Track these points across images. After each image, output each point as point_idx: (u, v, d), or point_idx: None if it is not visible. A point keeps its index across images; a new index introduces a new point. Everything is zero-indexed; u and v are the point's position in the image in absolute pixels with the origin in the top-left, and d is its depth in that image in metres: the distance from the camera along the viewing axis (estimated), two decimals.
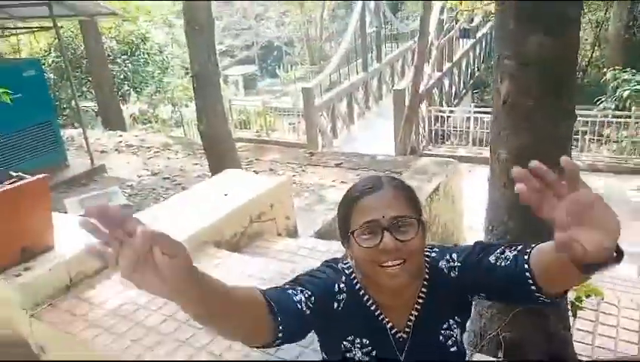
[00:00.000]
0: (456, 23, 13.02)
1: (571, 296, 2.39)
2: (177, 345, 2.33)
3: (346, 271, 1.17)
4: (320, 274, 1.14)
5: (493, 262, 1.07)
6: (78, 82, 12.68)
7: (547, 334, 2.18)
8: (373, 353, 1.13)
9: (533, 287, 0.99)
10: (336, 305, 1.12)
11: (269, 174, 6.91)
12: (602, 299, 2.58)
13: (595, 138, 10.34)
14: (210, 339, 2.35)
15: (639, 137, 9.84)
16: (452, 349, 1.15)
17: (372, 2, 12.98)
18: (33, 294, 2.50)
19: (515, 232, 2.07)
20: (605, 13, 16.01)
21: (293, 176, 6.69)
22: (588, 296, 2.42)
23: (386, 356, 1.14)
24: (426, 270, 1.16)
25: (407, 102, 9.97)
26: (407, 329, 1.15)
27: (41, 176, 2.56)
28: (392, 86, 13.17)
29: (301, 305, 1.03)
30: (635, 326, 2.75)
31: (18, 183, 2.48)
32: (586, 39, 17.44)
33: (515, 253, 1.05)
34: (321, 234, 4.33)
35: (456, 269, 1.14)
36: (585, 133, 10.38)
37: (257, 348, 1.02)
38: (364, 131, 12.54)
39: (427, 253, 1.17)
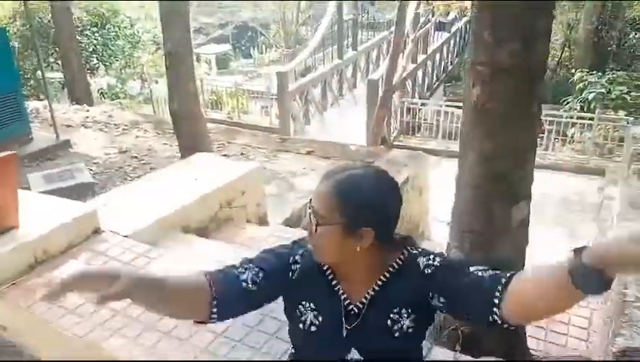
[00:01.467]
0: (433, 16, 13.12)
1: None
2: (143, 328, 2.34)
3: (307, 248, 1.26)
4: (279, 249, 1.28)
5: (471, 270, 1.14)
6: (44, 52, 12.23)
7: (502, 330, 2.28)
8: (320, 318, 1.21)
9: (494, 306, 1.05)
10: (291, 274, 1.24)
11: (240, 159, 6.88)
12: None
13: (560, 137, 10.67)
14: (174, 325, 2.36)
15: (601, 139, 10.19)
16: (396, 335, 1.18)
17: None
18: None
19: (479, 232, 2.15)
20: (576, 15, 16.39)
21: (265, 161, 6.68)
22: None
23: (333, 322, 1.21)
24: (399, 261, 1.21)
25: (380, 93, 10.03)
26: (359, 304, 1.20)
27: (10, 152, 2.49)
28: (367, 75, 13.21)
29: (246, 282, 1.18)
30: (585, 324, 2.91)
31: None
32: (557, 40, 17.84)
33: (498, 272, 1.11)
34: (291, 223, 4.37)
35: (432, 268, 1.18)
36: (550, 131, 10.69)
37: (198, 323, 1.19)
38: (336, 119, 12.56)
39: (410, 251, 1.22)
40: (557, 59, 17.59)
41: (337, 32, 12.78)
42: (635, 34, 16.02)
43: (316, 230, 1.13)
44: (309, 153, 7.15)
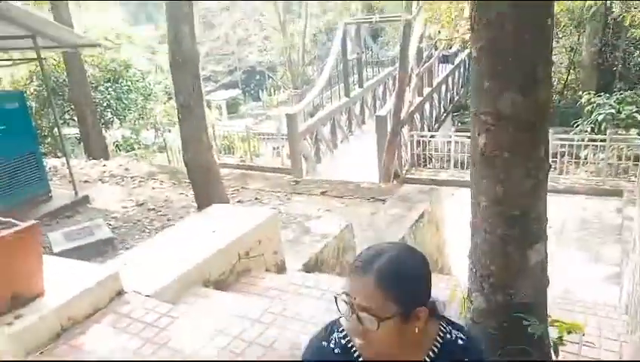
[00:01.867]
0: (436, 50, 13.36)
1: (553, 333, 2.47)
2: None
3: (341, 343, 1.23)
4: None
5: None
6: (60, 110, 12.64)
7: None
8: None
9: None
10: None
11: (255, 203, 6.95)
12: (583, 334, 2.67)
13: (573, 160, 10.62)
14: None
15: (615, 159, 10.13)
16: None
17: (353, 28, 13.26)
18: (25, 343, 2.50)
19: (497, 275, 2.15)
20: (578, 39, 16.58)
21: (279, 205, 6.74)
22: (569, 333, 2.51)
23: None
24: (437, 343, 1.23)
25: (389, 128, 10.15)
26: None
27: (33, 221, 2.58)
28: (374, 111, 13.39)
29: None
30: (616, 357, 2.85)
31: (10, 230, 2.50)
32: (561, 63, 18.02)
33: None
34: (308, 268, 4.38)
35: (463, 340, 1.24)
36: (563, 154, 10.67)
37: None
38: (347, 156, 12.69)
39: (445, 328, 1.25)
40: (563, 82, 17.70)
41: (343, 71, 13.06)
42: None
43: (377, 327, 1.08)
44: (322, 193, 7.21)
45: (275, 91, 23.19)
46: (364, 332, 1.11)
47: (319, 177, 10.12)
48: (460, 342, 1.24)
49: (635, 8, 12.63)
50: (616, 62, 16.12)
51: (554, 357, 2.44)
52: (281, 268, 4.17)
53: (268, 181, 8.26)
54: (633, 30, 14.89)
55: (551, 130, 11.43)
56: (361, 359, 1.21)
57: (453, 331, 1.26)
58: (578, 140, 10.82)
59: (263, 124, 18.11)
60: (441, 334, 1.24)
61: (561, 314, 2.93)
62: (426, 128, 13.03)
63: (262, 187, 7.79)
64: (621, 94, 12.54)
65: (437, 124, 14.24)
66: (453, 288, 2.66)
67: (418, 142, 11.55)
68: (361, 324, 1.10)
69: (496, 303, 2.18)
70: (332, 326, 1.28)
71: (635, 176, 9.62)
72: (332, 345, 1.23)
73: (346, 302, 1.12)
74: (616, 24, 14.85)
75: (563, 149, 10.75)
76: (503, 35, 1.82)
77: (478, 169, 2.09)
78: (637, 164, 9.70)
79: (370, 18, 12.98)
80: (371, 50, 15.06)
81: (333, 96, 13.19)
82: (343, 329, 1.25)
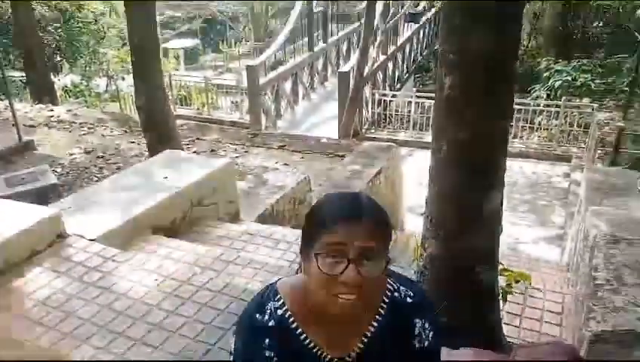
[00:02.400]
0: (402, 8, 13.16)
1: (502, 281, 2.51)
2: (113, 337, 2.26)
3: (276, 313, 1.14)
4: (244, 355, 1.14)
5: None
6: (4, 50, 11.79)
7: (479, 319, 2.29)
8: None
9: None
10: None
11: (211, 155, 6.76)
12: (530, 284, 2.73)
13: (528, 125, 10.85)
14: (147, 331, 2.29)
15: (567, 126, 10.41)
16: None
17: None
18: None
19: (452, 222, 2.14)
20: (542, 4, 16.65)
21: (236, 157, 6.58)
22: (517, 281, 2.55)
23: None
24: (384, 303, 1.16)
25: (351, 85, 10.01)
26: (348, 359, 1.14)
27: None
28: (338, 68, 13.17)
29: None
30: (559, 309, 2.95)
31: None
32: (524, 29, 18.17)
33: None
34: (264, 219, 4.31)
35: (423, 342, 1.18)
36: (518, 120, 10.88)
37: None
38: (308, 113, 12.51)
39: (390, 286, 1.18)
40: (524, 48, 17.89)
41: (307, 25, 12.69)
42: (599, 22, 16.39)
43: (383, 269, 1.04)
44: (280, 147, 7.08)
45: (236, 43, 22.43)
46: (362, 282, 1.02)
47: (279, 132, 9.96)
48: (409, 299, 1.17)
49: None
50: (576, 31, 16.37)
51: (502, 305, 2.49)
52: (235, 218, 4.08)
53: (225, 133, 8.04)
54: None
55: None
56: (299, 330, 1.13)
57: (402, 288, 1.18)
58: (534, 106, 11.03)
59: (222, 77, 17.55)
60: (389, 292, 1.17)
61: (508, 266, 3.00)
62: (387, 88, 12.95)
63: (218, 138, 7.59)
64: (579, 62, 12.78)
65: (399, 84, 14.17)
66: (407, 237, 2.65)
67: (379, 101, 11.47)
68: (359, 274, 1.01)
69: (450, 249, 2.17)
70: (267, 294, 1.17)
71: (584, 143, 9.95)
72: (266, 317, 1.13)
73: (330, 257, 1.02)
74: None
75: (519, 114, 10.96)
76: None
77: (442, 113, 2.03)
78: (587, 132, 10.02)
79: None
80: (337, 4, 14.69)
81: (297, 51, 12.85)
82: (279, 298, 1.15)
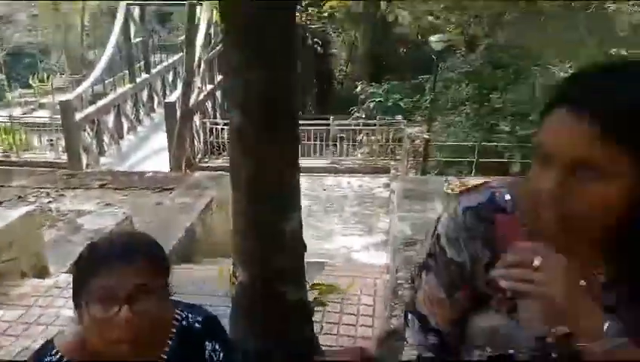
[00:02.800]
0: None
1: (312, 296, 2.65)
2: None
3: None
4: None
5: None
6: None
7: (293, 337, 2.38)
8: None
9: None
10: None
11: (17, 203, 6.02)
12: (345, 293, 2.93)
13: (351, 143, 11.78)
14: None
15: (383, 141, 11.51)
16: None
17: (136, 10, 12.43)
18: None
19: (256, 247, 2.21)
20: (355, 34, 18.28)
21: (49, 202, 5.96)
22: (329, 293, 2.72)
23: None
24: (172, 334, 1.16)
25: (178, 116, 9.81)
26: None
27: None
28: (164, 98, 12.81)
29: None
30: (370, 311, 3.21)
31: None
32: (342, 57, 19.74)
33: None
34: None
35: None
36: (343, 139, 11.80)
37: None
38: (136, 147, 11.92)
39: (177, 316, 1.18)
40: (344, 73, 19.41)
41: (126, 55, 12.16)
42: (403, 49, 18.45)
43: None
44: (102, 187, 6.60)
45: (49, 77, 20.44)
46: (138, 323, 1.00)
47: (102, 170, 9.29)
48: (197, 325, 1.19)
49: (398, 7, 14.44)
50: (384, 56, 18.24)
51: (322, 317, 2.63)
52: (43, 272, 3.67)
53: (37, 177, 7.24)
54: (396, 29, 17.05)
55: (332, 117, 12.43)
56: None
57: (190, 315, 1.19)
58: (354, 125, 12.03)
59: (35, 114, 15.84)
60: (176, 322, 1.17)
61: (337, 279, 3.19)
62: (219, 116, 12.96)
63: (28, 184, 6.80)
64: (389, 84, 14.26)
65: None
66: (220, 269, 2.66)
67: (211, 129, 11.43)
68: (133, 315, 0.99)
69: (257, 275, 2.23)
70: (43, 351, 1.09)
71: (400, 155, 11.11)
72: None
73: (99, 301, 0.99)
74: (385, 25, 16.75)
75: (343, 134, 11.90)
76: (248, 13, 1.85)
77: (235, 145, 2.10)
78: (401, 145, 11.21)
79: (153, 0, 12.29)
80: (159, 34, 14.33)
81: (117, 83, 12.20)
82: (57, 351, 1.08)
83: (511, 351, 0.89)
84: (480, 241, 0.88)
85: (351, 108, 14.08)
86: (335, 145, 11.74)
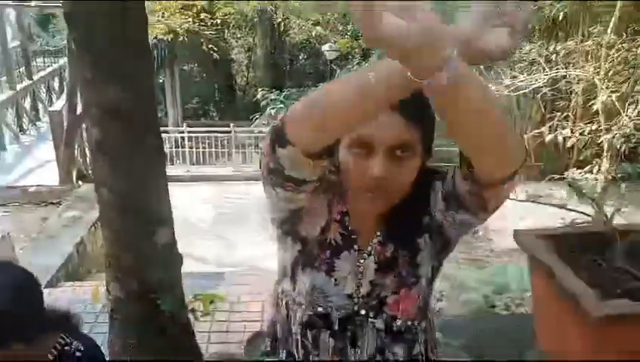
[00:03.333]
0: None
1: (196, 306, 2.71)
2: None
3: None
4: None
5: None
6: None
7: (173, 348, 2.41)
8: None
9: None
10: None
11: None
12: (225, 301, 3.01)
13: (254, 150, 11.84)
14: None
15: None
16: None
17: (12, 13, 11.54)
18: None
19: (128, 262, 2.22)
20: (253, 40, 18.29)
21: None
22: (211, 302, 2.78)
23: None
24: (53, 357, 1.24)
25: (65, 125, 9.24)
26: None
27: None
28: (51, 105, 12.00)
29: None
30: (258, 316, 3.31)
31: None
32: (242, 62, 19.65)
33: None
34: None
35: None
36: (249, 145, 11.86)
37: None
38: (20, 158, 11.03)
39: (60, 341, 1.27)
40: (245, 79, 19.35)
41: (3, 61, 11.24)
42: (304, 55, 18.80)
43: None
44: None
45: None
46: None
47: None
48: (78, 353, 1.26)
49: (297, 18, 14.71)
50: (285, 63, 18.47)
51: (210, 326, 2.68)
52: None
53: None
54: (294, 35, 17.35)
55: (234, 124, 12.41)
56: None
57: (74, 342, 1.26)
58: (257, 132, 12.11)
59: None
60: (59, 346, 1.23)
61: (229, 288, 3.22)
62: None
63: None
64: (289, 91, 14.50)
65: None
66: (95, 285, 2.62)
67: None
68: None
69: (132, 289, 2.25)
70: None
71: None
72: None
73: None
74: (284, 29, 16.97)
75: (249, 141, 11.96)
76: (95, 27, 1.86)
77: (97, 161, 2.10)
78: None
79: (28, 2, 11.46)
80: (42, 37, 13.38)
81: None
82: None
83: (328, 310, 1.04)
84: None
85: (252, 115, 14.13)
86: (244, 152, 11.79)
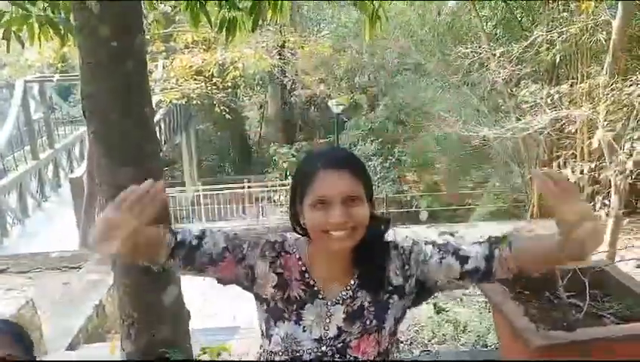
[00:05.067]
0: None
1: (204, 356, 2.84)
2: None
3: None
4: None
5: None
6: None
7: None
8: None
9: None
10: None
11: None
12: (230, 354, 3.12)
13: (272, 203, 12.15)
14: None
15: None
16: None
17: (36, 86, 12.28)
18: None
19: (139, 319, 2.39)
20: (265, 97, 18.97)
21: None
22: (219, 354, 2.91)
23: None
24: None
25: (86, 191, 9.64)
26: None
27: None
28: (72, 172, 12.52)
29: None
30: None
31: None
32: (255, 118, 20.30)
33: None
34: None
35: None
36: (262, 199, 12.17)
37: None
38: (43, 224, 11.43)
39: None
40: (259, 135, 19.93)
41: (27, 132, 11.88)
42: (315, 110, 19.36)
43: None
44: (1, 272, 6.37)
45: None
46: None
47: (5, 253, 8.85)
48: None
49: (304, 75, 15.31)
50: (296, 118, 19.01)
51: None
52: None
53: None
54: (305, 90, 17.92)
55: (252, 178, 12.72)
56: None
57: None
58: (271, 186, 12.43)
59: None
60: None
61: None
62: None
63: None
64: (299, 145, 14.90)
65: None
66: (112, 344, 2.79)
67: None
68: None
69: (143, 345, 2.41)
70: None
71: None
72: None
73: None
74: (291, 87, 17.60)
75: (263, 194, 12.27)
76: (109, 122, 2.16)
77: None
78: None
79: (52, 77, 12.20)
80: (60, 108, 14.13)
81: (19, 161, 11.83)
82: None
83: (300, 353, 1.22)
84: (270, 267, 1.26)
85: (265, 169, 14.52)
86: (252, 205, 12.09)
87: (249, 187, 12.21)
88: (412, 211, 12.71)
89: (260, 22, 3.01)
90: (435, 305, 3.83)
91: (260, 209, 12.23)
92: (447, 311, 3.62)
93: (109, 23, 2.13)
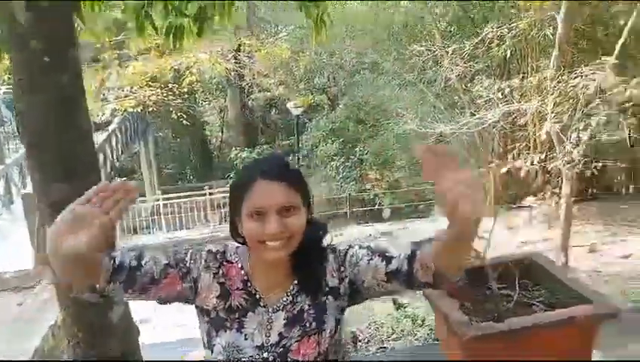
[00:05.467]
0: None
1: None
2: None
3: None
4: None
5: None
6: None
7: None
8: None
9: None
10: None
11: None
12: None
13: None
14: None
15: None
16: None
17: None
18: None
19: (84, 339, 2.32)
20: (224, 101, 18.77)
21: None
22: None
23: None
24: None
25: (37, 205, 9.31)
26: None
27: None
28: (25, 188, 12.05)
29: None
30: None
31: None
32: (215, 123, 20.06)
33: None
34: None
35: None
36: (224, 205, 11.91)
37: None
38: None
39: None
40: (220, 140, 19.70)
41: None
42: (276, 112, 19.26)
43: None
44: None
45: None
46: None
47: None
48: None
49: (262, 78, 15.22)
50: (256, 121, 18.87)
51: None
52: None
53: None
54: (264, 92, 17.81)
55: (215, 183, 12.48)
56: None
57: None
58: None
59: None
60: None
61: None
62: None
63: None
64: (260, 148, 14.79)
65: None
66: None
67: None
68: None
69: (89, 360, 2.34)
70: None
71: None
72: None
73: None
74: (248, 90, 17.44)
75: (225, 200, 12.02)
76: (43, 138, 2.09)
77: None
78: None
79: None
80: (10, 121, 13.58)
81: None
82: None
83: (243, 360, 1.22)
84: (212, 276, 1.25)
85: (227, 173, 14.33)
86: (214, 212, 11.89)
87: (210, 193, 12.00)
88: (375, 209, 12.80)
89: (215, 26, 2.97)
90: (394, 301, 3.86)
91: (222, 215, 12.04)
92: (405, 308, 3.65)
93: (39, 37, 2.08)
